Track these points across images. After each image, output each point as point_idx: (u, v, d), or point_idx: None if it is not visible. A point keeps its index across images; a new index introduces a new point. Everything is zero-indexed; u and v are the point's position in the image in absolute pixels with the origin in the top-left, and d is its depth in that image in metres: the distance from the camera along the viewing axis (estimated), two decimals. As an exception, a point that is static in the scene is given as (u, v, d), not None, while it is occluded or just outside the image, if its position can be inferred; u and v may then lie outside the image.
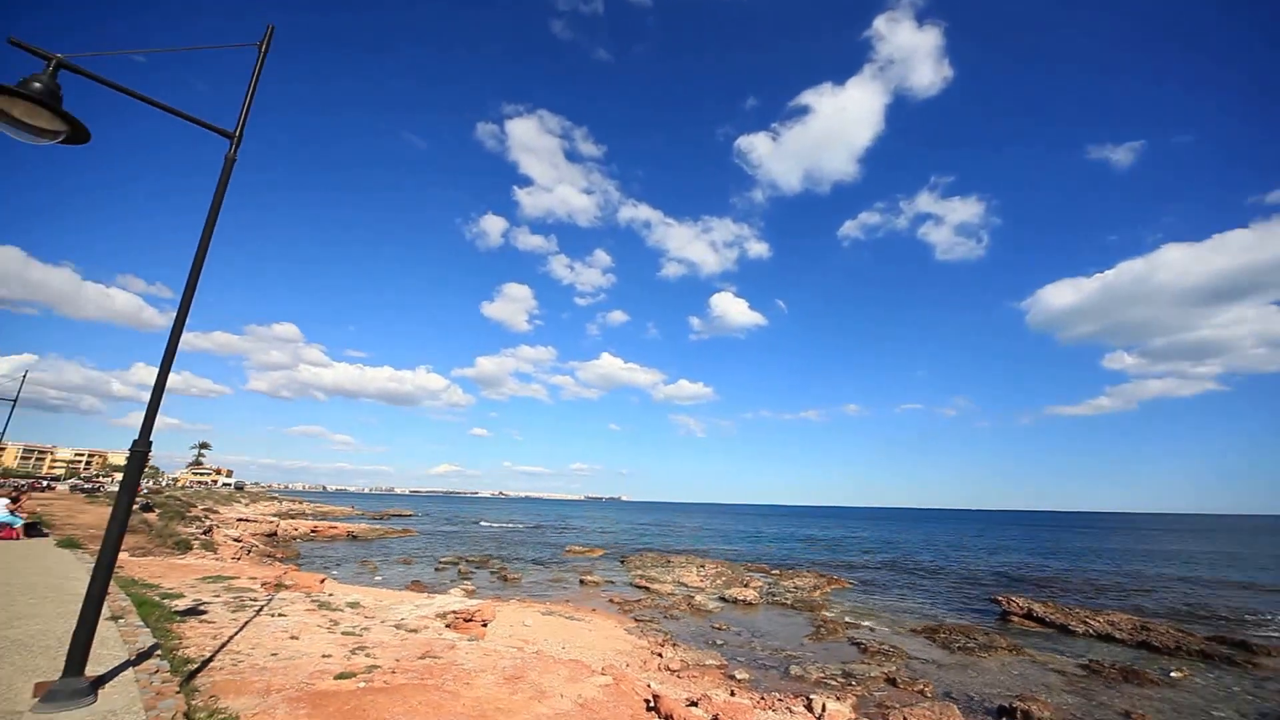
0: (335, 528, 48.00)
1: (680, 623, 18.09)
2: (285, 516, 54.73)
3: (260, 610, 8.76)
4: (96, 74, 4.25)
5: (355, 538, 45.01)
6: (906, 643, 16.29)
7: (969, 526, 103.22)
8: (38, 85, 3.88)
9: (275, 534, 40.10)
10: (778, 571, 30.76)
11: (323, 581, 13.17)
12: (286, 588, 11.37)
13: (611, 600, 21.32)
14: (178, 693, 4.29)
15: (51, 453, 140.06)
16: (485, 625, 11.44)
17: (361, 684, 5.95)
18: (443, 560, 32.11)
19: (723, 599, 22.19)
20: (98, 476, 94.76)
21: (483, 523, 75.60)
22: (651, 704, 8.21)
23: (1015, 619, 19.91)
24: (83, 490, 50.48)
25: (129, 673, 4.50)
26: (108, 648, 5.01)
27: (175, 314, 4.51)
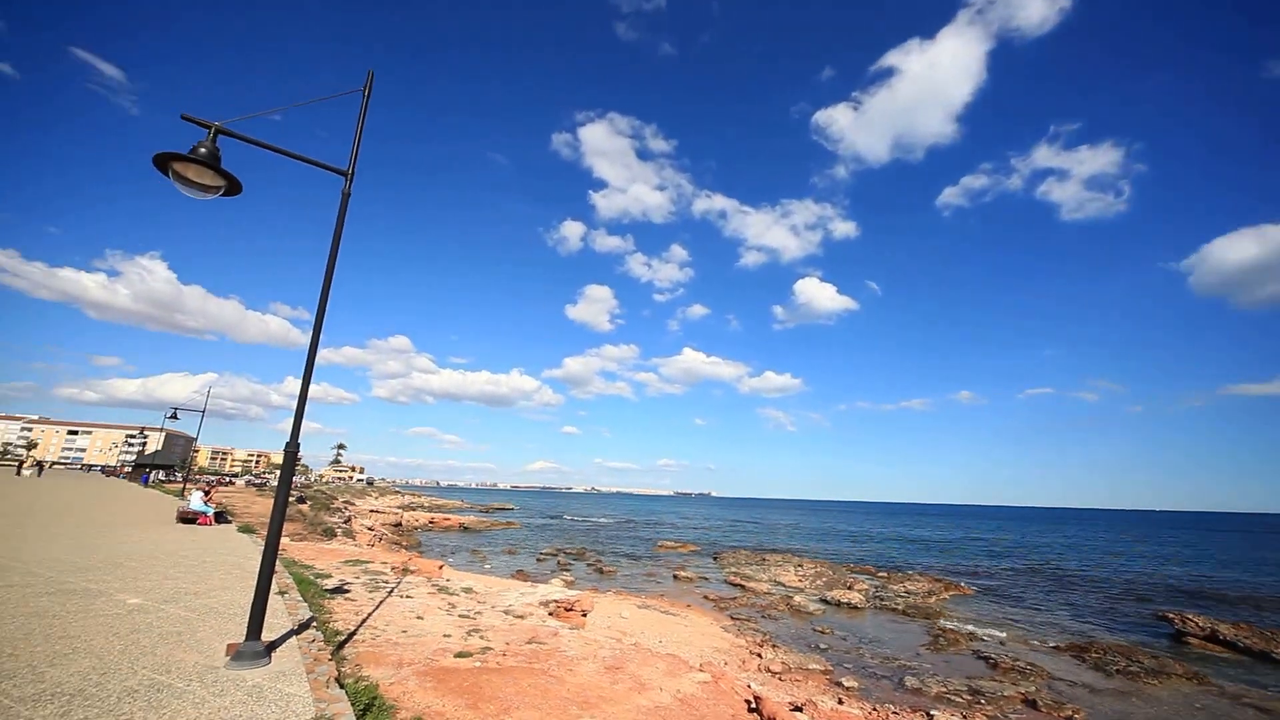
0: (449, 519, 52.39)
1: (779, 623, 17.60)
2: (407, 509, 60.65)
3: (391, 592, 9.80)
4: (243, 134, 4.99)
5: (466, 529, 48.82)
6: (1047, 661, 14.55)
7: (1125, 529, 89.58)
8: (204, 150, 4.67)
9: (400, 524, 44.58)
10: (885, 574, 28.87)
11: (441, 568, 14.43)
12: (411, 572, 12.60)
13: (706, 597, 21.25)
14: (330, 660, 4.93)
15: (231, 453, 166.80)
16: (585, 615, 11.90)
17: (477, 663, 6.44)
18: (543, 552, 33.86)
19: (824, 601, 21.26)
20: (264, 473, 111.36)
21: (577, 517, 78.68)
22: (753, 705, 8.08)
23: (1194, 641, 17.06)
24: (254, 484, 59.60)
25: (293, 640, 5.24)
26: (277, 618, 5.87)
27: (311, 333, 5.17)
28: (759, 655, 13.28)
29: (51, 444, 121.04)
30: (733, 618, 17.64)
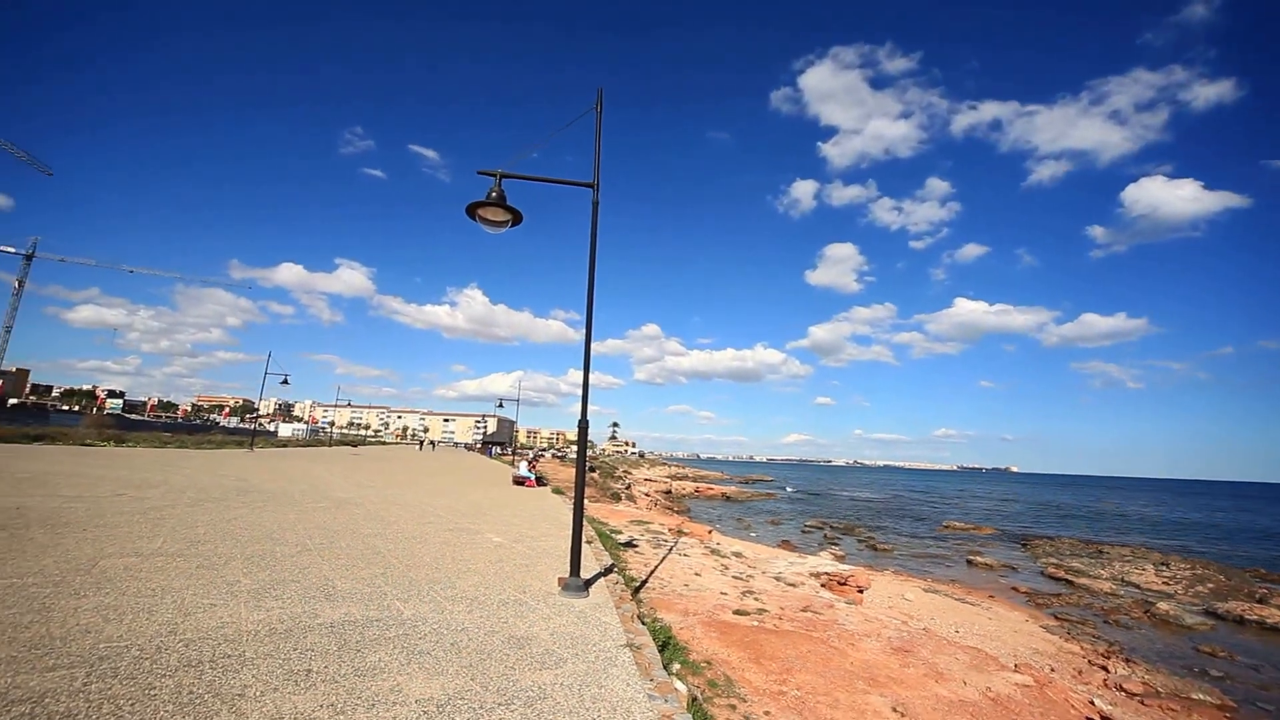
0: (712, 489, 55.97)
1: (1134, 633, 13.57)
2: (675, 478, 67.07)
3: (670, 549, 10.96)
4: (517, 173, 6.15)
5: (728, 498, 51.40)
6: None
7: None
8: (494, 194, 5.94)
9: (670, 491, 49.58)
10: (1335, 588, 19.44)
11: (710, 532, 15.51)
12: (685, 534, 13.87)
13: (1015, 589, 17.76)
14: (631, 600, 5.79)
15: (538, 432, 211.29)
16: (862, 592, 11.25)
17: (754, 623, 6.70)
18: (807, 524, 33.27)
19: (1211, 614, 15.51)
20: (563, 448, 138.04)
21: (840, 490, 74.72)
22: (1101, 726, 6.46)
23: None
24: (556, 456, 74.44)
25: (601, 581, 6.32)
26: (586, 561, 7.17)
27: (584, 331, 6.04)
28: (1104, 668, 10.49)
29: (436, 428, 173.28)
30: (1057, 617, 14.35)
